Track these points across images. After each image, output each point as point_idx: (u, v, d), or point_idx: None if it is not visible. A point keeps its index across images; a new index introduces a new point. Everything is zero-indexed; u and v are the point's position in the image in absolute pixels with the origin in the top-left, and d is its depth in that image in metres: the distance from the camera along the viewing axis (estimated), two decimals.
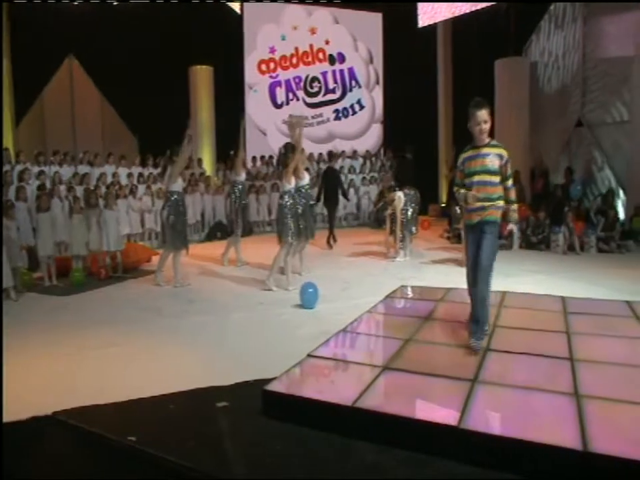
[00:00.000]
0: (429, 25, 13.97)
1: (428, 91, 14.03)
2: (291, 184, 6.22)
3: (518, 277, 6.54)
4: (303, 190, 6.65)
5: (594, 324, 4.07)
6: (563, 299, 4.71)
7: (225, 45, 12.87)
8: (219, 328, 4.81)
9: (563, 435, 2.44)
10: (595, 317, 4.30)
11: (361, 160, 13.01)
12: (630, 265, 7.27)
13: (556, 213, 8.07)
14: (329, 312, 5.07)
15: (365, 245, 9.26)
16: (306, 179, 6.83)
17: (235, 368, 3.75)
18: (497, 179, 3.58)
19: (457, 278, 6.51)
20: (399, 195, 7.73)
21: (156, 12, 11.55)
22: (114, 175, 10.11)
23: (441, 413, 2.66)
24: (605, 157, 9.68)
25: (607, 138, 9.70)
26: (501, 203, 3.63)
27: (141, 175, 10.59)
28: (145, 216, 9.98)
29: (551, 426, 2.53)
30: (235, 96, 13.41)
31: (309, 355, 3.50)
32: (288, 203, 6.12)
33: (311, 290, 5.25)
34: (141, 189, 10.15)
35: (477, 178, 3.60)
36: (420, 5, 13.99)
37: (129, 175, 10.35)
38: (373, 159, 13.23)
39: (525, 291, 5.29)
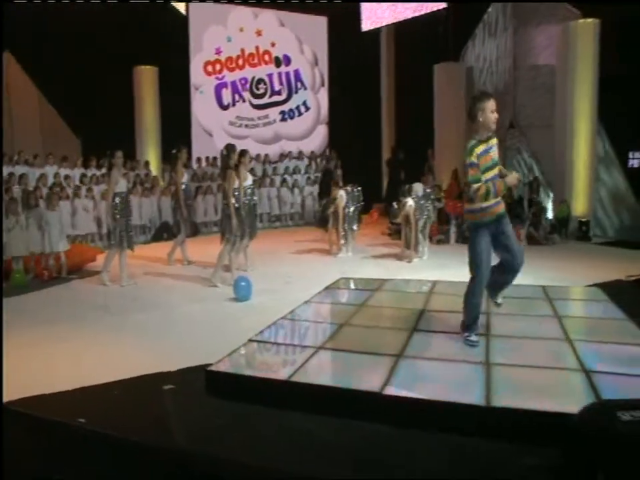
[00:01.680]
0: (373, 30, 14.50)
1: (372, 93, 14.54)
2: (234, 184, 6.47)
3: (454, 269, 7.00)
4: (247, 190, 6.91)
5: (512, 306, 4.54)
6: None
7: (170, 45, 12.92)
8: (165, 322, 5.00)
9: (471, 395, 2.83)
10: (514, 299, 4.78)
11: (306, 160, 13.37)
12: (553, 255, 7.93)
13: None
14: (272, 304, 5.34)
15: (309, 242, 9.60)
16: (249, 179, 7.10)
17: (182, 356, 3.97)
18: (499, 170, 3.65)
19: (395, 270, 6.95)
20: (341, 193, 8.10)
21: (99, 10, 11.49)
22: (55, 175, 10.01)
23: (367, 383, 3.00)
24: (534, 158, 10.40)
25: (535, 139, 10.44)
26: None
27: (84, 175, 10.53)
28: (88, 217, 9.95)
29: (462, 388, 2.92)
30: (180, 97, 13.48)
31: (250, 340, 3.78)
32: (230, 203, 6.36)
33: (243, 283, 5.53)
34: (84, 190, 10.10)
35: (491, 173, 3.55)
36: (363, 10, 14.49)
37: (66, 177, 10.27)
38: (318, 159, 13.61)
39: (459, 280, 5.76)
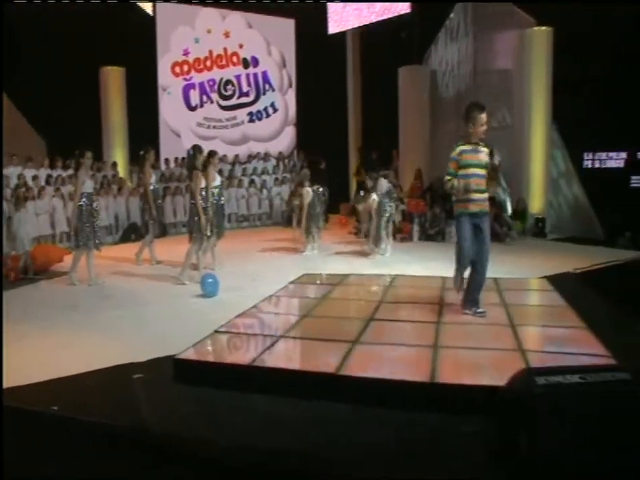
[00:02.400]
0: (339, 33, 14.82)
1: (339, 95, 14.85)
2: (201, 185, 6.68)
3: (415, 265, 7.37)
4: (215, 191, 7.13)
5: None
6: (442, 278, 5.52)
7: (137, 46, 12.98)
8: (135, 318, 5.17)
9: (418, 373, 3.12)
10: None
11: (273, 161, 13.60)
12: (510, 251, 8.34)
13: (451, 207, 9.04)
14: (238, 300, 5.54)
15: (276, 241, 9.84)
16: (217, 180, 7.31)
17: (151, 349, 4.15)
18: (485, 172, 4.20)
19: (358, 266, 7.25)
20: (307, 190, 8.36)
21: (64, 10, 11.49)
22: (19, 176, 10.01)
23: (324, 366, 3.27)
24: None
25: (495, 140, 10.86)
26: (486, 194, 4.26)
27: (49, 176, 10.54)
28: (55, 218, 9.97)
29: (410, 368, 3.22)
30: (147, 98, 13.54)
31: (216, 331, 4.01)
32: (198, 203, 6.56)
33: (210, 280, 5.75)
34: (50, 190, 10.12)
35: (472, 170, 4.14)
36: (329, 13, 14.80)
37: (35, 177, 10.28)
38: (286, 160, 13.86)
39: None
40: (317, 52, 14.35)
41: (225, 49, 14.90)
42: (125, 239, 10.81)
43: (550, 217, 10.25)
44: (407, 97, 12.15)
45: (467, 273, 4.44)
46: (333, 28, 14.73)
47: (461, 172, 4.19)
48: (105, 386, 3.53)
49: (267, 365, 3.30)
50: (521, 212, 9.60)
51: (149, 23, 13.84)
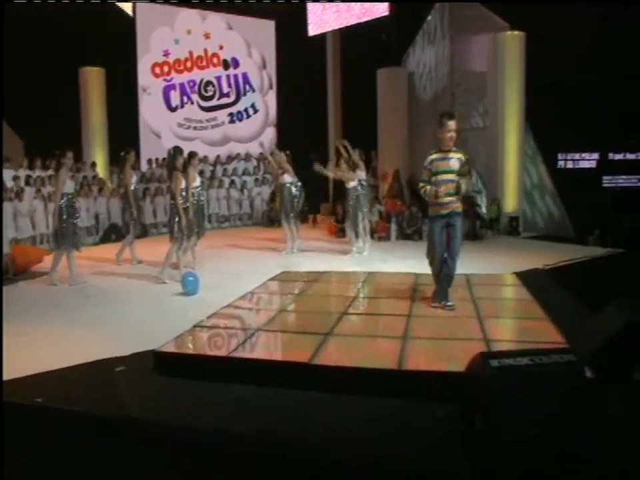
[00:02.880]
0: (319, 34, 15.02)
1: (319, 96, 15.07)
2: (181, 185, 6.82)
3: (392, 263, 7.59)
4: (195, 191, 7.28)
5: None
6: (416, 275, 5.74)
7: (117, 46, 13.04)
8: (117, 316, 5.30)
9: (387, 362, 3.33)
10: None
11: (254, 162, 13.76)
12: (484, 249, 8.63)
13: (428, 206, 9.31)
14: (218, 298, 5.67)
15: (257, 240, 10.01)
16: (197, 181, 7.46)
17: (133, 344, 4.28)
18: (456, 177, 4.48)
19: (337, 264, 7.45)
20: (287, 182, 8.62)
21: (44, 9, 11.51)
22: None
23: (298, 356, 3.46)
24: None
25: (470, 141, 11.20)
26: (458, 196, 4.55)
27: (29, 177, 10.56)
28: (34, 219, 10.00)
29: (379, 357, 3.42)
30: (128, 98, 13.60)
31: (195, 326, 4.17)
32: (178, 203, 6.70)
33: (191, 278, 5.91)
34: (30, 191, 10.15)
35: (442, 176, 4.48)
36: (309, 15, 15.00)
37: (15, 178, 10.29)
38: (266, 161, 14.01)
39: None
40: (298, 53, 14.55)
41: (205, 50, 15.02)
42: (105, 239, 10.86)
43: (524, 216, 10.57)
44: (386, 98, 12.39)
45: None
46: (313, 30, 14.94)
47: (433, 178, 4.54)
48: (88, 378, 3.68)
49: (244, 356, 3.47)
50: (494, 214, 9.90)
51: (129, 23, 13.91)
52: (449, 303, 4.53)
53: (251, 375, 3.39)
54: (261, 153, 14.09)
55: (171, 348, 3.69)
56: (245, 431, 2.90)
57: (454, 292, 5.14)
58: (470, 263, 7.06)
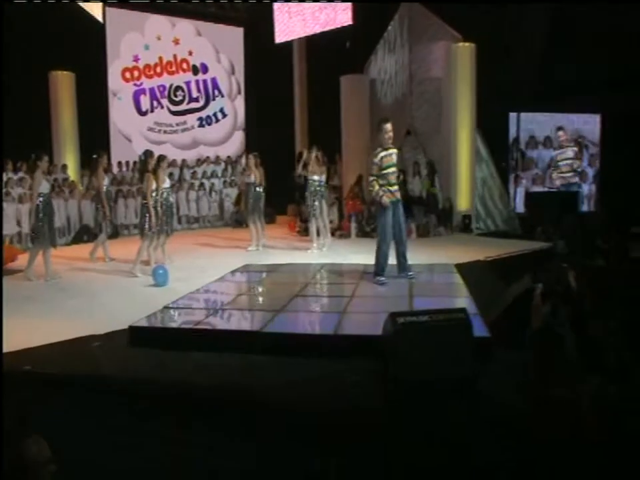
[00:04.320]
0: (286, 42, 15.76)
1: (286, 101, 15.79)
2: (152, 186, 7.47)
3: (348, 256, 8.32)
4: (165, 192, 7.92)
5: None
6: (364, 265, 6.49)
7: (87, 51, 13.52)
8: (92, 305, 5.89)
9: (326, 329, 4.05)
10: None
11: (223, 165, 14.41)
12: (436, 244, 9.44)
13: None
14: (186, 288, 6.27)
15: (225, 240, 10.67)
16: (167, 182, 8.11)
17: (108, 327, 4.90)
18: (397, 171, 5.65)
19: (298, 259, 8.15)
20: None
21: (12, 13, 11.94)
22: None
23: (251, 326, 4.16)
24: (427, 160, 11.95)
25: (427, 144, 12.07)
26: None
27: None
28: (5, 219, 10.44)
29: (320, 326, 4.15)
30: (98, 102, 14.10)
31: (165, 307, 4.84)
32: (149, 203, 7.35)
33: (161, 271, 6.56)
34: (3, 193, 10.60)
35: (390, 169, 5.60)
36: (276, 23, 15.72)
37: None
38: (234, 164, 14.68)
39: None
40: (265, 60, 15.27)
41: (175, 56, 15.61)
42: (77, 240, 11.36)
43: (477, 214, 11.46)
44: (349, 103, 13.15)
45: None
46: (280, 37, 15.66)
47: (383, 171, 5.58)
48: (68, 351, 4.31)
49: (206, 327, 4.16)
50: (447, 209, 10.76)
51: (99, 28, 14.41)
52: (410, 273, 5.56)
53: (212, 344, 4.08)
54: (229, 156, 14.76)
55: (143, 323, 4.35)
56: (204, 383, 3.59)
57: (394, 278, 5.91)
58: (421, 255, 7.88)
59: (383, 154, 5.59)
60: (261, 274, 6.30)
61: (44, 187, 7.45)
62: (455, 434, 2.99)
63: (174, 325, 4.32)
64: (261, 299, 5.02)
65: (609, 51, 11.55)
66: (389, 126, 5.54)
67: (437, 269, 6.66)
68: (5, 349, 4.35)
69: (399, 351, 3.22)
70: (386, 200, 5.52)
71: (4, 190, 10.71)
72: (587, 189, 12.65)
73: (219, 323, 4.38)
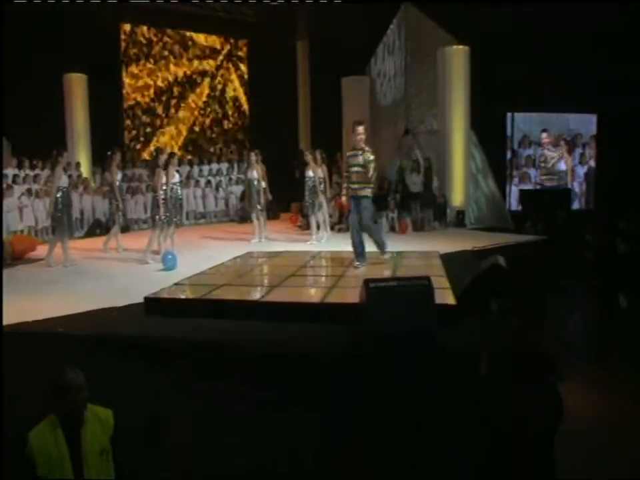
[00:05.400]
0: (291, 44, 16.51)
1: (290, 102, 16.56)
2: (162, 180, 8.22)
3: (346, 247, 9.00)
4: (174, 186, 8.68)
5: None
6: None
7: (100, 54, 14.34)
8: (109, 286, 6.63)
9: (315, 299, 4.77)
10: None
11: (227, 164, 15.19)
12: (430, 237, 10.12)
13: (379, 201, 10.87)
14: (193, 272, 7.05)
15: (230, 233, 11.43)
16: (176, 177, 8.86)
17: (126, 301, 5.63)
18: (364, 169, 6.07)
19: (296, 249, 8.86)
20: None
21: (30, 20, 12.78)
22: None
23: (252, 297, 4.88)
24: (424, 158, 12.62)
25: (424, 143, 12.77)
26: (367, 185, 6.16)
27: (16, 176, 11.79)
28: (23, 214, 11.22)
29: (310, 297, 4.86)
30: (110, 103, 14.93)
31: (175, 284, 5.59)
32: (159, 195, 8.11)
33: (170, 256, 7.31)
34: (18, 189, 11.37)
35: (354, 169, 6.15)
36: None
37: (4, 176, 11.52)
38: (239, 162, 15.43)
39: None
40: (271, 63, 16.06)
41: None
42: (90, 233, 12.14)
43: (471, 210, 12.14)
44: (350, 104, 13.87)
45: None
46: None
47: (349, 169, 6.30)
48: (93, 318, 5.05)
49: (213, 297, 4.90)
50: (442, 205, 11.46)
51: (111, 32, 15.25)
52: (357, 263, 6.15)
53: (217, 312, 4.81)
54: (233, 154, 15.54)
55: (158, 295, 5.10)
56: (205, 341, 4.33)
57: (384, 261, 6.62)
58: (415, 246, 8.60)
59: (349, 153, 6.34)
60: (262, 259, 7.03)
61: (63, 180, 8.20)
62: (415, 376, 3.71)
63: (183, 296, 5.05)
64: (261, 277, 5.75)
65: (604, 53, 12.24)
66: (360, 128, 6.14)
67: (424, 255, 7.35)
68: (38, 317, 5.14)
69: (371, 311, 3.93)
70: (343, 199, 6.38)
71: (21, 186, 11.52)
72: (577, 187, 13.30)
73: (223, 294, 5.10)
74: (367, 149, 6.17)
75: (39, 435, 2.41)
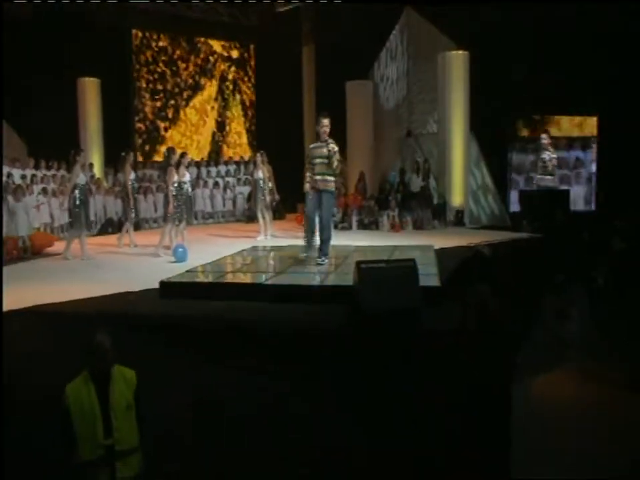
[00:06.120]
0: (297, 50, 17.15)
1: (296, 106, 17.18)
2: (174, 179, 8.83)
3: (346, 243, 9.58)
4: (185, 185, 9.28)
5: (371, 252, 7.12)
6: (355, 247, 7.75)
7: (112, 59, 15.04)
8: (125, 276, 7.23)
9: (314, 282, 5.34)
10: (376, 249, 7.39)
11: (234, 165, 15.84)
12: (429, 235, 10.66)
13: (381, 201, 11.43)
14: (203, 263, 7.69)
15: (237, 231, 12.04)
16: (187, 176, 9.46)
17: (142, 287, 6.23)
18: (328, 161, 6.29)
19: (295, 242, 9.38)
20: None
21: (47, 26, 13.49)
22: (9, 175, 11.90)
23: (257, 279, 5.46)
24: (424, 159, 13.18)
25: (425, 145, 13.34)
26: (331, 177, 6.38)
27: (34, 176, 12.46)
28: (40, 211, 11.87)
29: (310, 280, 5.43)
30: (122, 106, 15.61)
31: (187, 270, 6.18)
32: (170, 192, 8.71)
33: (181, 249, 7.92)
34: (36, 188, 12.04)
35: (317, 160, 6.34)
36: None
37: (23, 177, 12.20)
38: (247, 164, 16.08)
39: None
40: (277, 67, 16.71)
41: None
42: (102, 231, 12.78)
43: (471, 210, 12.69)
44: (354, 107, 14.47)
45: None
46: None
47: (312, 161, 6.45)
48: (112, 300, 5.65)
49: (221, 281, 5.49)
50: (442, 205, 12.02)
51: (122, 38, 15.96)
52: (321, 259, 6.33)
53: (225, 294, 5.39)
54: (241, 157, 16.16)
55: (172, 279, 5.69)
56: (215, 318, 4.91)
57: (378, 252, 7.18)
58: (414, 243, 9.15)
59: (312, 145, 6.49)
60: (265, 252, 7.64)
61: (81, 178, 8.84)
62: (403, 344, 4.28)
63: (195, 280, 5.65)
64: (266, 265, 6.33)
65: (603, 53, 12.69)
66: (326, 121, 6.22)
67: (419, 248, 7.89)
68: (63, 299, 5.75)
69: (362, 288, 4.50)
70: (306, 186, 6.44)
71: (38, 185, 12.18)
72: (578, 189, 13.77)
73: (232, 279, 5.69)
74: (330, 140, 6.26)
75: (74, 387, 2.87)
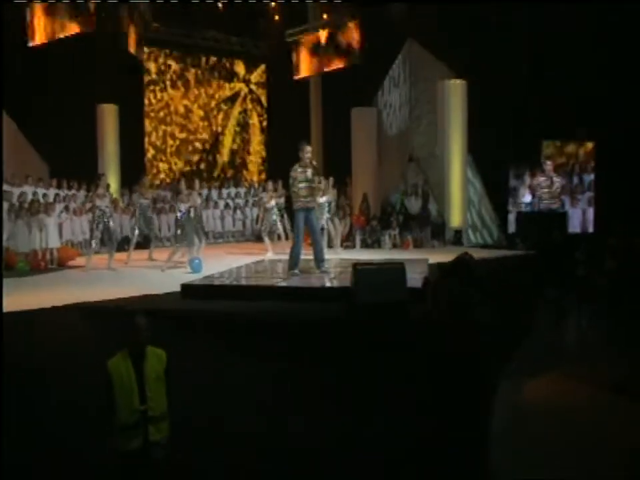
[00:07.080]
0: (303, 78, 18.31)
1: (304, 131, 18.26)
2: (185, 204, 9.83)
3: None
4: (197, 208, 10.25)
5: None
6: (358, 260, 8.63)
7: (128, 85, 16.22)
8: (147, 282, 8.16)
9: (318, 284, 6.22)
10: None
11: (244, 188, 16.90)
12: (427, 252, 11.52)
13: (384, 221, 12.37)
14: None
15: (246, 249, 12.99)
16: (197, 200, 10.43)
17: (164, 290, 7.13)
18: (312, 183, 7.40)
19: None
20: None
21: (67, 53, 14.66)
22: (34, 193, 12.92)
23: (266, 283, 6.35)
24: (427, 182, 14.12)
25: (427, 168, 14.28)
26: (314, 196, 7.46)
27: (57, 195, 13.48)
28: (63, 229, 12.85)
29: (315, 283, 6.31)
30: (138, 131, 16.76)
31: (204, 277, 7.08)
32: (184, 217, 9.70)
33: (197, 261, 8.86)
34: (58, 206, 13.03)
35: (303, 184, 7.38)
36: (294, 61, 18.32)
37: (44, 195, 13.21)
38: (256, 186, 17.13)
39: None
40: (285, 94, 17.86)
41: None
42: (118, 249, 13.71)
43: (469, 230, 13.56)
44: (358, 132, 15.48)
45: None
46: (298, 74, 18.24)
47: (298, 184, 7.43)
48: (138, 300, 6.54)
49: (234, 283, 6.38)
50: (440, 225, 12.91)
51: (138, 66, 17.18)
52: (324, 267, 7.35)
53: (240, 294, 6.27)
54: (251, 179, 17.19)
55: (193, 282, 6.59)
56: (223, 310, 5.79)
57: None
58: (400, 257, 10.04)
59: (299, 170, 7.38)
60: (272, 264, 8.58)
61: (105, 200, 9.85)
62: (393, 334, 5.13)
63: (212, 283, 6.56)
64: (275, 272, 7.25)
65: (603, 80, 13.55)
66: (309, 148, 7.57)
67: (414, 261, 8.74)
68: (95, 299, 6.65)
69: (358, 287, 5.37)
70: (297, 206, 7.38)
71: (60, 204, 13.18)
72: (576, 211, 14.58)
73: (246, 281, 6.59)
74: (314, 163, 7.59)
75: (115, 362, 3.38)
